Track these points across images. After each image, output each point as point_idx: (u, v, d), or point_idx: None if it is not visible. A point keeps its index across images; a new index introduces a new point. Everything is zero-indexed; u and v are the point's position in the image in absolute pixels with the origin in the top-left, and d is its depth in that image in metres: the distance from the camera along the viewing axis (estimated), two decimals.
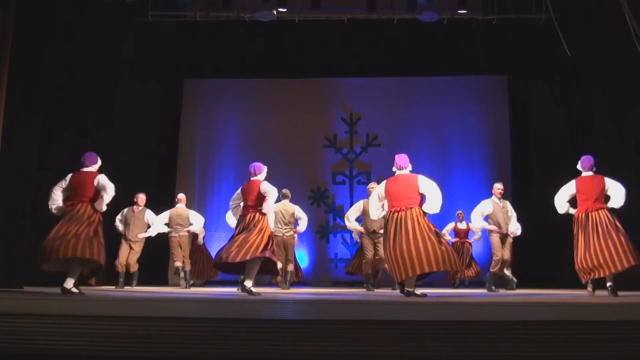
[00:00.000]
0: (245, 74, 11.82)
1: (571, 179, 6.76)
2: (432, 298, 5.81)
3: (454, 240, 10.22)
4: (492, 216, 8.08)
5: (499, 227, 8.01)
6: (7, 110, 6.85)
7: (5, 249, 7.22)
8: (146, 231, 9.04)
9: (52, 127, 8.46)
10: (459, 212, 10.43)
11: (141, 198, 9.09)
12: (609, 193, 6.43)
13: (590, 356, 3.13)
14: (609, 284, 6.25)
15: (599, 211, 6.33)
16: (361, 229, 8.23)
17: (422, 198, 6.06)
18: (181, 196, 9.53)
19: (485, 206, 8.13)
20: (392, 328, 3.30)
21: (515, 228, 8.18)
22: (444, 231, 9.93)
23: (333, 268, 11.60)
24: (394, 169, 6.31)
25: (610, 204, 6.39)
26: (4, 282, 6.88)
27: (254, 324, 3.39)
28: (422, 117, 11.83)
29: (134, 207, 9.06)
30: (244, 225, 6.36)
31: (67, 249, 5.75)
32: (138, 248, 9.03)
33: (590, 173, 6.56)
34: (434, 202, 6.00)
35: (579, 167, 6.68)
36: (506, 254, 8.08)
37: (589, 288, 6.46)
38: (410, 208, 5.92)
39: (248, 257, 6.11)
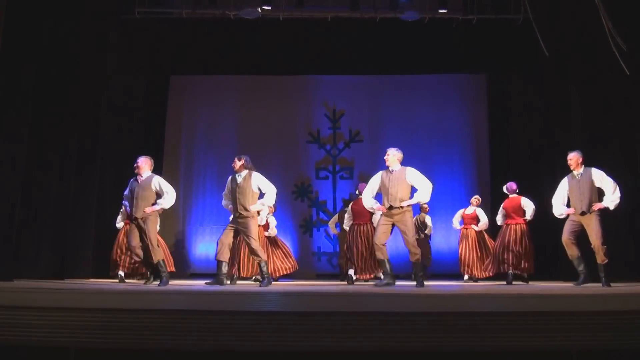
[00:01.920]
0: (230, 70, 11.80)
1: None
2: (415, 290, 6.01)
3: (461, 227, 9.51)
4: (570, 194, 6.75)
5: (574, 206, 6.65)
6: None
7: None
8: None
9: (39, 122, 8.50)
10: (476, 197, 9.81)
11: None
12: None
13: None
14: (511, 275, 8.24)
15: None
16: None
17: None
18: None
19: (562, 188, 6.84)
20: (373, 319, 3.37)
21: (609, 201, 6.47)
22: (454, 219, 9.64)
23: (316, 261, 11.74)
24: (357, 192, 8.60)
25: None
26: None
27: (240, 316, 3.43)
28: (403, 114, 11.93)
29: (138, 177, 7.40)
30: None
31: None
32: None
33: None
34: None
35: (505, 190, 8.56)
36: (592, 239, 6.48)
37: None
38: (367, 223, 8.39)
39: None
